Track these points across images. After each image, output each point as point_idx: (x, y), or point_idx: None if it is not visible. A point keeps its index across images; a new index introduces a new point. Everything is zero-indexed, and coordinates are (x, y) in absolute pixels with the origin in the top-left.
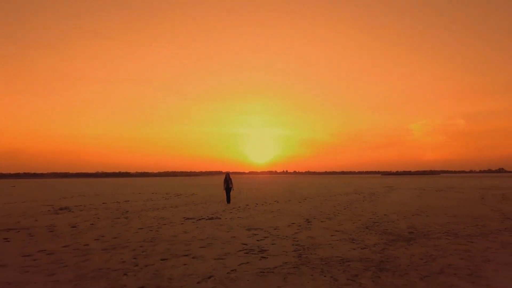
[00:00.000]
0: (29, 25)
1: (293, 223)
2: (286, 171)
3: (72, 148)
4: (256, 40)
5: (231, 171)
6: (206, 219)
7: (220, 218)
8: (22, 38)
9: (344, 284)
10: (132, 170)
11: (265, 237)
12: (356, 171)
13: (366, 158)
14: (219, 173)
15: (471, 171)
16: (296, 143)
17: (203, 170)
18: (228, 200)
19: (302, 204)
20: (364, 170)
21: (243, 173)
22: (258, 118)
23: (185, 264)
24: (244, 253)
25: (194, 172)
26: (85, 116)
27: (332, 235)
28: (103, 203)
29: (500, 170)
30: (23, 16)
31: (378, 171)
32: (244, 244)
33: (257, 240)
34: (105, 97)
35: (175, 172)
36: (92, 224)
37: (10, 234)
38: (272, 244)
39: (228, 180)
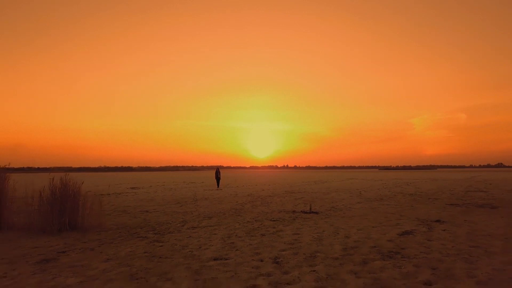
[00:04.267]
0: (31, 21)
1: (254, 190)
2: (287, 165)
3: (74, 143)
4: (257, 35)
5: (232, 166)
6: (215, 190)
7: (222, 190)
8: (23, 34)
9: (261, 203)
10: (134, 165)
11: (238, 193)
12: (357, 166)
13: (367, 152)
14: (220, 167)
15: (471, 166)
16: (297, 138)
17: (205, 164)
18: (218, 185)
19: (268, 186)
20: (365, 165)
21: (244, 167)
22: (259, 112)
23: (211, 194)
24: (230, 195)
25: (196, 166)
26: (87, 112)
27: (266, 194)
28: (150, 186)
29: (499, 165)
30: (24, 12)
31: (378, 166)
32: (231, 194)
33: (236, 194)
34: (106, 92)
35: (177, 166)
36: (162, 191)
37: (134, 192)
38: (240, 193)
39: (218, 172)
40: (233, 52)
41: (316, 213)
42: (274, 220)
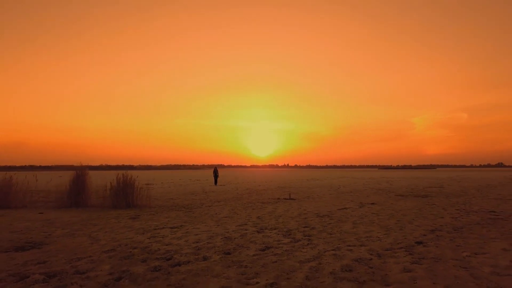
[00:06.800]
0: (32, 19)
1: (252, 185)
2: (287, 164)
3: (75, 141)
4: (257, 33)
5: (233, 165)
6: (219, 185)
7: (225, 186)
8: (24, 33)
9: (256, 194)
10: (135, 163)
11: (238, 188)
12: (357, 165)
13: (367, 152)
14: (220, 166)
15: (471, 166)
16: (298, 137)
17: (206, 163)
18: (215, 183)
19: (264, 183)
20: (365, 164)
21: (245, 166)
22: (260, 111)
23: (216, 189)
24: (232, 189)
25: (197, 165)
26: (88, 110)
27: (262, 188)
28: (161, 182)
29: (499, 165)
30: (25, 11)
31: (378, 165)
32: (232, 188)
33: (236, 188)
34: (107, 91)
35: (178, 165)
36: (174, 187)
37: (150, 187)
38: (240, 188)
39: (216, 171)
40: (234, 51)
41: (294, 199)
42: (262, 203)
